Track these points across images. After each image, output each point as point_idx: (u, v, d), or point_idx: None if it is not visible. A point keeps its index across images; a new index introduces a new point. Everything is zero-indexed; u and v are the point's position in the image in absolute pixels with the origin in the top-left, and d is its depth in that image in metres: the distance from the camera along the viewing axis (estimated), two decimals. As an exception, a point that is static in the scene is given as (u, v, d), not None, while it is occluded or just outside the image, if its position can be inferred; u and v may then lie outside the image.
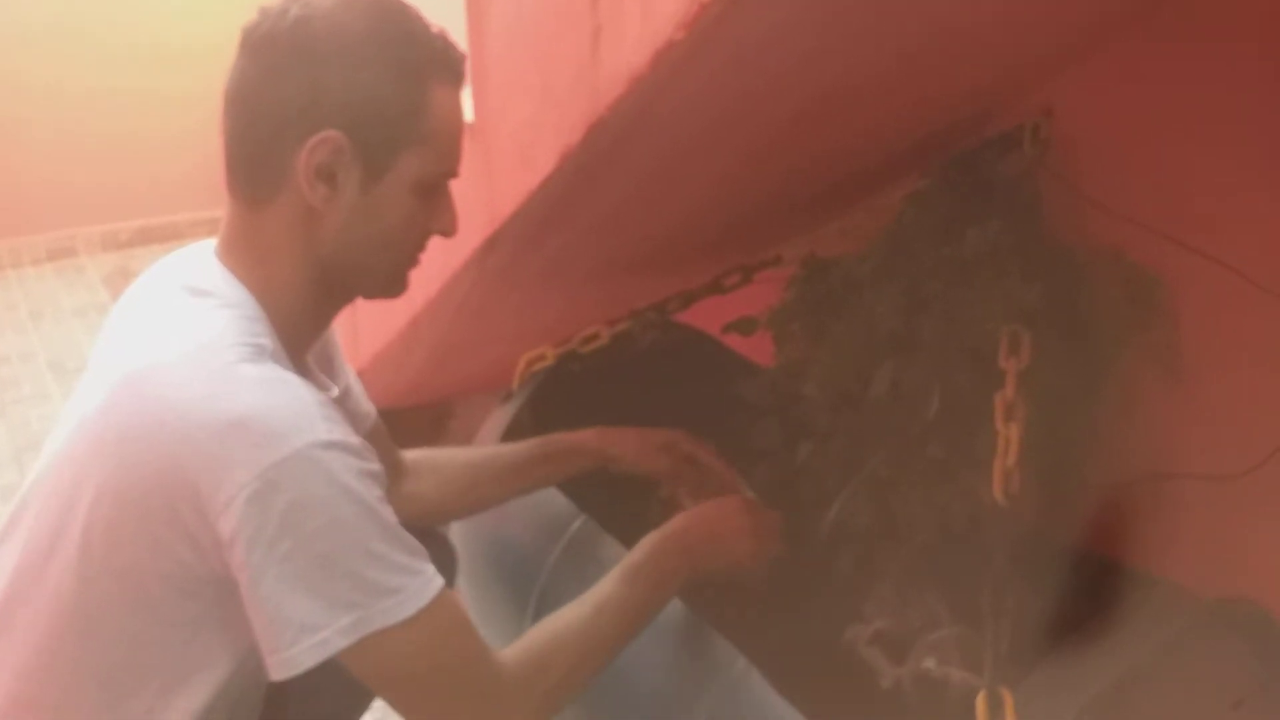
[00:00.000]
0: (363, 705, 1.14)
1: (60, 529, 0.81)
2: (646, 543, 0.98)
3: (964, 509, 1.13)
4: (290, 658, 0.76)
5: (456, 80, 0.87)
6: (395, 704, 0.83)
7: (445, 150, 0.87)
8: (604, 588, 0.93)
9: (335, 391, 0.95)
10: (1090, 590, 1.02)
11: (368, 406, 1.10)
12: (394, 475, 1.16)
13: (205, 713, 0.85)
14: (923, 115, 1.18)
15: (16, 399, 2.59)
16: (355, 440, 0.78)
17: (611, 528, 1.23)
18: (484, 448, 1.22)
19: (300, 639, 0.75)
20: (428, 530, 1.21)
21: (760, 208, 1.30)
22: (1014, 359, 1.06)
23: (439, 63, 0.85)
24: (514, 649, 0.87)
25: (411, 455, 1.17)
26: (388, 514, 0.78)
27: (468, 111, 1.19)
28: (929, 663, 1.03)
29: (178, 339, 0.79)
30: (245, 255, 0.85)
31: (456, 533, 1.41)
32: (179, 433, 0.75)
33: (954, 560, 1.10)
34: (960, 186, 1.25)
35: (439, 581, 0.80)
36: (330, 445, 0.75)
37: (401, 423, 1.17)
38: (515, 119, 1.10)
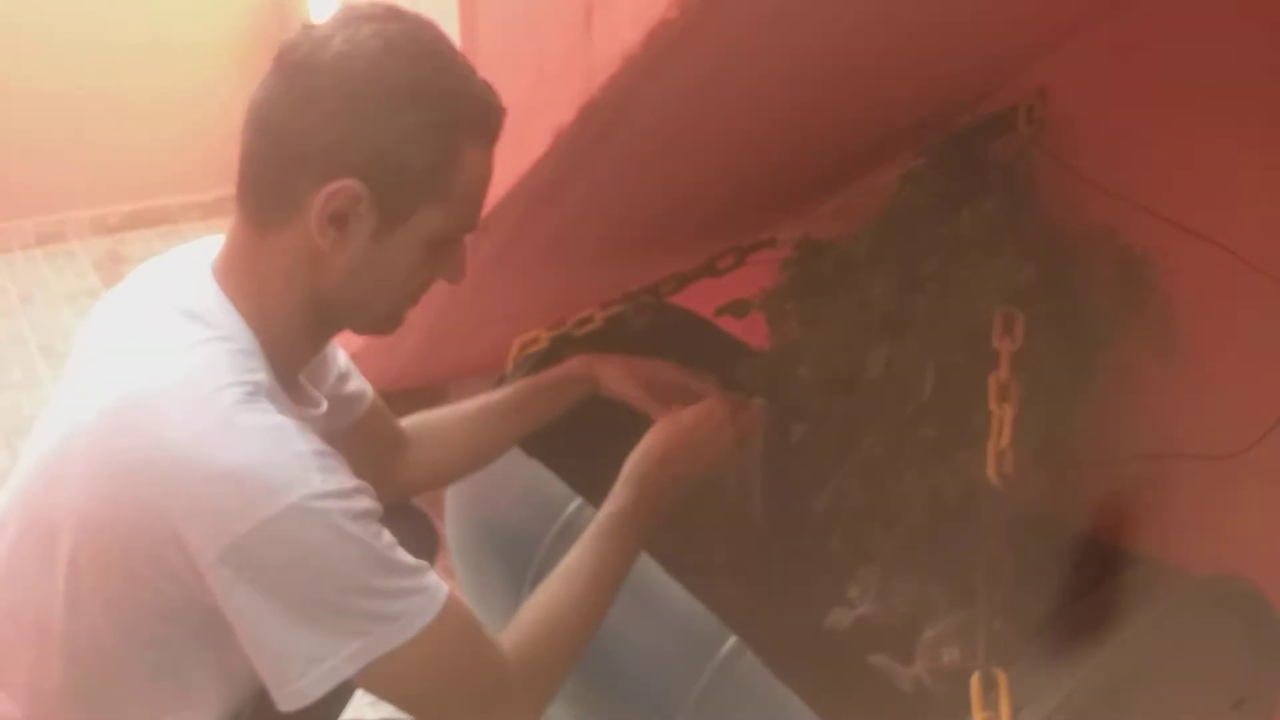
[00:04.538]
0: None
1: (47, 555, 0.80)
2: (627, 470, 1.00)
3: (957, 490, 1.13)
4: (299, 690, 0.76)
5: (492, 140, 0.84)
6: (411, 712, 0.85)
7: (466, 210, 0.85)
8: (592, 547, 0.94)
9: (324, 407, 0.94)
10: (1084, 570, 1.02)
11: (363, 384, 1.10)
12: (397, 447, 1.16)
13: None
14: (918, 95, 1.18)
15: (7, 384, 2.58)
16: (350, 484, 0.78)
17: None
18: (475, 399, 1.21)
19: (308, 670, 0.76)
20: (410, 509, 1.22)
21: (754, 188, 1.30)
22: (1008, 339, 1.06)
23: (477, 124, 0.82)
24: (510, 639, 0.87)
25: (409, 422, 1.18)
26: (384, 546, 0.78)
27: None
28: (946, 654, 1.03)
29: (171, 370, 0.77)
30: (244, 278, 0.83)
31: (450, 515, 1.41)
32: (169, 477, 0.73)
33: (947, 541, 1.10)
34: (954, 166, 1.24)
35: (441, 593, 0.81)
36: (325, 495, 0.74)
37: (394, 407, 1.17)
38: (507, 98, 1.08)
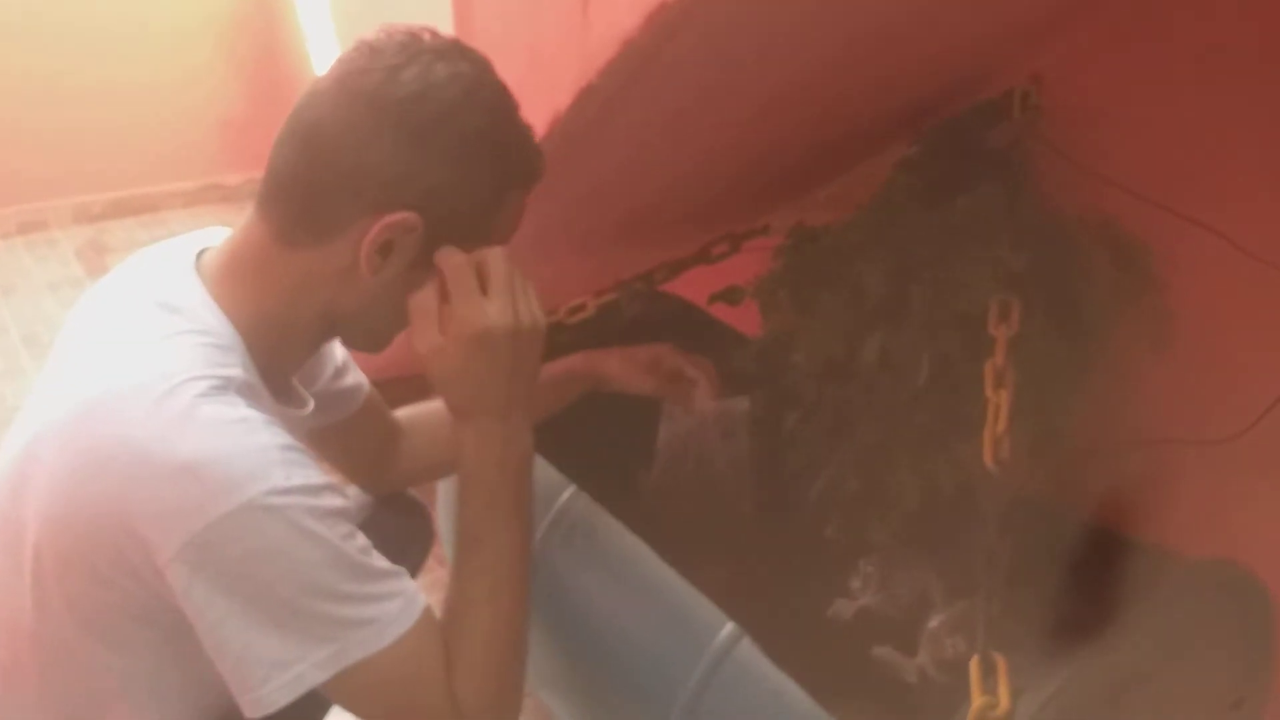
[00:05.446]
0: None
1: (15, 553, 0.79)
2: (461, 469, 0.85)
3: (952, 476, 1.14)
4: (263, 696, 0.73)
5: (533, 186, 0.86)
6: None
7: (495, 244, 0.86)
8: (485, 550, 0.83)
9: (310, 407, 0.92)
10: (1080, 555, 1.03)
11: (360, 378, 1.09)
12: (392, 439, 1.15)
13: None
14: (913, 81, 1.17)
15: (-10, 374, 2.56)
16: (317, 480, 0.75)
17: (601, 497, 1.22)
18: None
19: (272, 676, 0.73)
20: (407, 499, 1.21)
21: (749, 175, 1.29)
22: (1004, 326, 1.06)
23: (526, 173, 0.85)
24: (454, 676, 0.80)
25: (404, 414, 1.16)
26: (354, 549, 0.75)
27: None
28: (950, 646, 1.03)
29: (138, 363, 0.75)
30: (248, 278, 0.81)
31: (443, 505, 1.41)
32: (127, 473, 0.71)
33: (943, 528, 1.10)
34: (949, 154, 1.24)
35: (419, 603, 0.78)
36: (288, 491, 0.72)
37: (385, 395, 1.16)
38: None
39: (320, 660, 0.73)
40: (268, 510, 0.71)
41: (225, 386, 0.75)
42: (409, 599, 0.78)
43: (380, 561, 0.78)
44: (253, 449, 0.72)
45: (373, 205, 0.77)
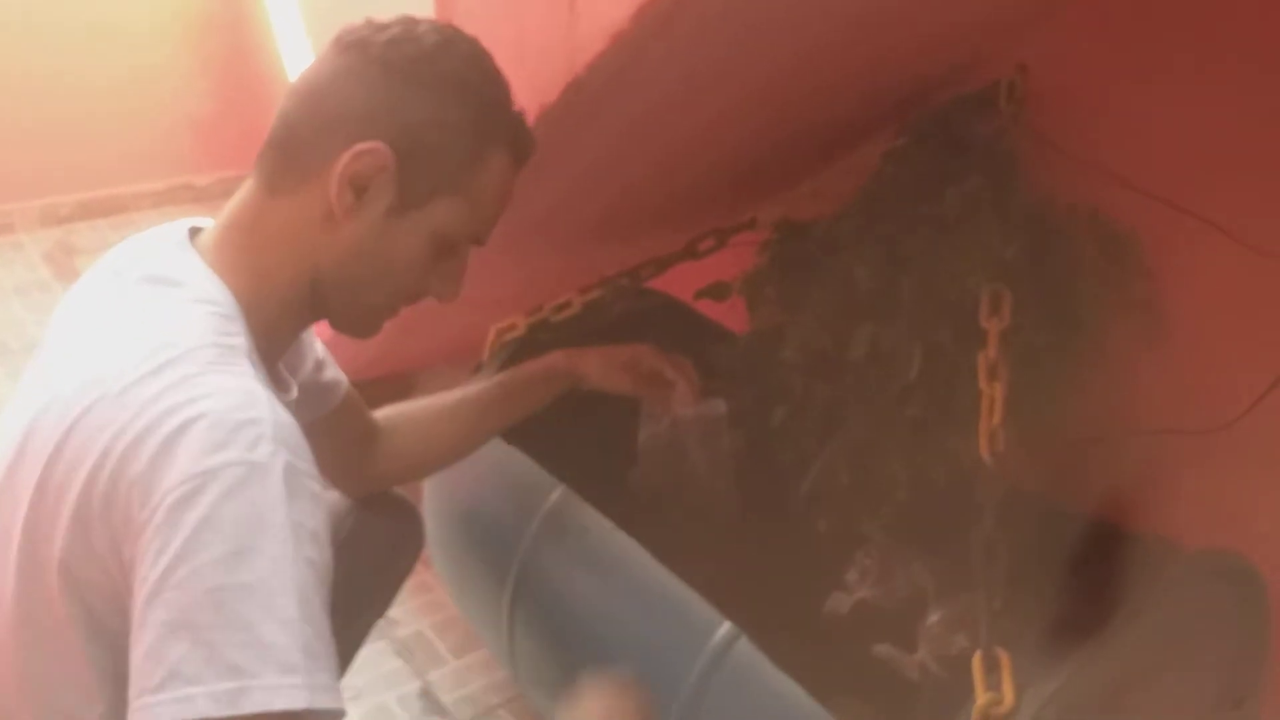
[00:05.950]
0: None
1: (4, 532, 0.75)
2: None
3: (944, 468, 1.13)
4: (148, 705, 0.64)
5: (519, 159, 0.87)
6: None
7: (481, 214, 0.86)
8: None
9: (294, 393, 0.91)
10: (1076, 547, 1.03)
11: (339, 374, 1.07)
12: (369, 439, 1.13)
13: None
14: (899, 70, 1.17)
15: (-43, 381, 2.50)
16: (304, 465, 0.70)
17: (590, 496, 1.21)
18: (453, 392, 1.19)
19: (166, 687, 0.64)
20: (396, 500, 1.19)
21: (735, 168, 1.28)
22: (995, 318, 1.06)
23: (510, 139, 0.85)
24: None
25: (384, 414, 1.15)
26: (313, 582, 0.68)
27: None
28: (955, 643, 1.02)
29: (145, 337, 0.73)
30: (240, 241, 0.81)
31: (430, 506, 1.39)
32: (127, 439, 0.68)
33: (936, 521, 1.10)
34: (937, 145, 1.23)
35: (341, 702, 0.69)
36: (277, 469, 0.67)
37: (365, 396, 1.14)
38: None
39: (220, 693, 0.64)
40: (244, 479, 0.66)
41: (233, 352, 0.74)
42: (336, 696, 0.68)
43: (327, 630, 0.70)
44: (251, 412, 0.70)
45: (348, 140, 0.78)
